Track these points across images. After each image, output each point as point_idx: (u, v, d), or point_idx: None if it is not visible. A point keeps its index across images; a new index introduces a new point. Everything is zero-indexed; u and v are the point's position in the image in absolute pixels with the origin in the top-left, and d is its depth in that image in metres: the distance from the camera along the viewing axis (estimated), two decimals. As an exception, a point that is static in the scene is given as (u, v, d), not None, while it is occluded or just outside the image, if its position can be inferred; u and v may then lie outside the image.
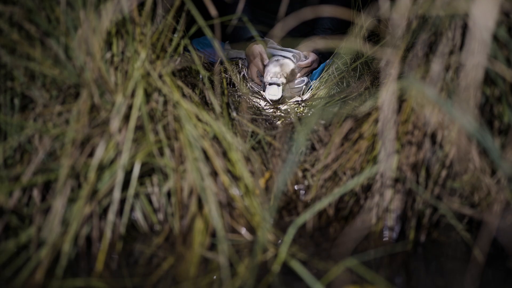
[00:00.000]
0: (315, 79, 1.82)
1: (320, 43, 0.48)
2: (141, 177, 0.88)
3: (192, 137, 0.83)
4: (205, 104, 1.21)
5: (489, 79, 0.68)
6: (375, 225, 0.88)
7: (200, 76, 1.09)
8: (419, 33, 0.77)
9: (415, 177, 0.82)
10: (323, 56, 1.91)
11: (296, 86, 1.36)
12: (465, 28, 0.64)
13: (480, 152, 0.73)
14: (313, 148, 1.20)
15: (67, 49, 0.81)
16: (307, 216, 0.71)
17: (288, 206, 1.07)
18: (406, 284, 0.70)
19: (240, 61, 1.30)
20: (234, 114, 1.16)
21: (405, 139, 0.82)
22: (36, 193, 0.74)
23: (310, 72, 1.89)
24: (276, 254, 0.77)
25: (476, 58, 0.61)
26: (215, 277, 0.70)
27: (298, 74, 1.83)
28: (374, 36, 1.52)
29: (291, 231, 0.67)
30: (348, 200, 0.96)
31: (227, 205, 0.89)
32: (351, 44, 0.52)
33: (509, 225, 0.79)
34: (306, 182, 1.11)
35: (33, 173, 0.73)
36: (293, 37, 1.88)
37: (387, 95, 0.78)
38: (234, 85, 1.51)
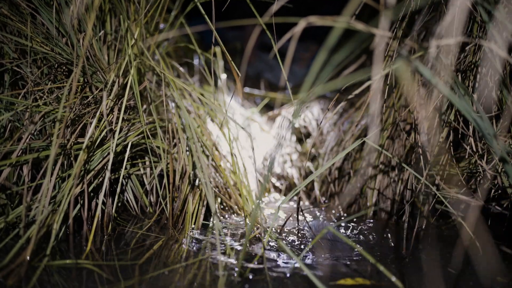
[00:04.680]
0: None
1: (316, 21, 0.46)
2: (133, 158, 0.87)
3: (185, 117, 0.81)
4: (200, 84, 1.20)
5: (489, 63, 0.67)
6: (369, 209, 0.87)
7: (196, 57, 1.07)
8: (416, 12, 0.76)
9: (411, 162, 0.81)
10: (320, 36, 1.89)
11: None
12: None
13: (476, 138, 0.72)
14: (308, 134, 1.19)
15: (59, 26, 0.80)
16: (293, 194, 0.71)
17: (281, 187, 1.06)
18: (401, 273, 0.70)
19: (238, 43, 1.28)
20: (229, 94, 1.15)
21: (401, 123, 0.81)
22: (25, 171, 0.72)
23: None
24: (264, 231, 0.77)
25: (471, 37, 0.60)
26: (206, 258, 0.70)
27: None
28: (372, 14, 1.49)
29: (279, 209, 0.67)
30: (334, 180, 0.95)
31: (220, 186, 0.88)
32: (347, 22, 0.51)
33: (503, 210, 0.78)
34: (298, 164, 1.10)
35: (22, 151, 0.72)
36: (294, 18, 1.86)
37: (380, 76, 0.77)
38: (229, 70, 1.49)
